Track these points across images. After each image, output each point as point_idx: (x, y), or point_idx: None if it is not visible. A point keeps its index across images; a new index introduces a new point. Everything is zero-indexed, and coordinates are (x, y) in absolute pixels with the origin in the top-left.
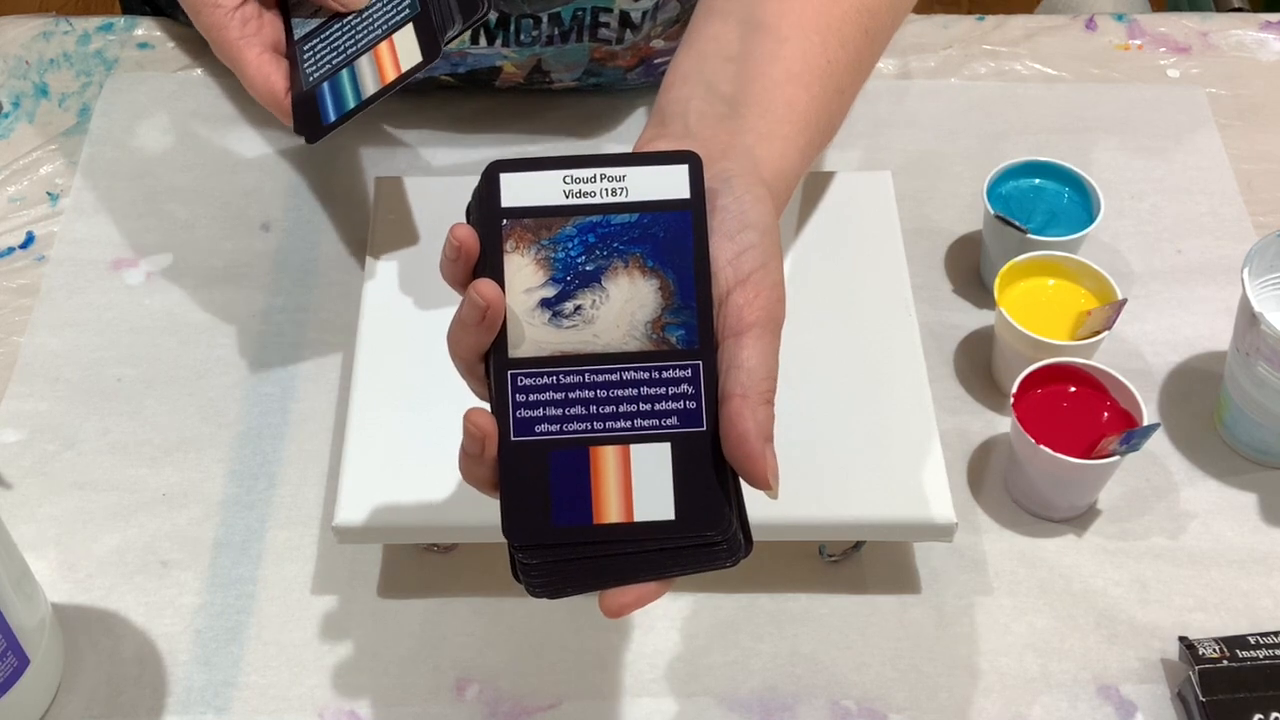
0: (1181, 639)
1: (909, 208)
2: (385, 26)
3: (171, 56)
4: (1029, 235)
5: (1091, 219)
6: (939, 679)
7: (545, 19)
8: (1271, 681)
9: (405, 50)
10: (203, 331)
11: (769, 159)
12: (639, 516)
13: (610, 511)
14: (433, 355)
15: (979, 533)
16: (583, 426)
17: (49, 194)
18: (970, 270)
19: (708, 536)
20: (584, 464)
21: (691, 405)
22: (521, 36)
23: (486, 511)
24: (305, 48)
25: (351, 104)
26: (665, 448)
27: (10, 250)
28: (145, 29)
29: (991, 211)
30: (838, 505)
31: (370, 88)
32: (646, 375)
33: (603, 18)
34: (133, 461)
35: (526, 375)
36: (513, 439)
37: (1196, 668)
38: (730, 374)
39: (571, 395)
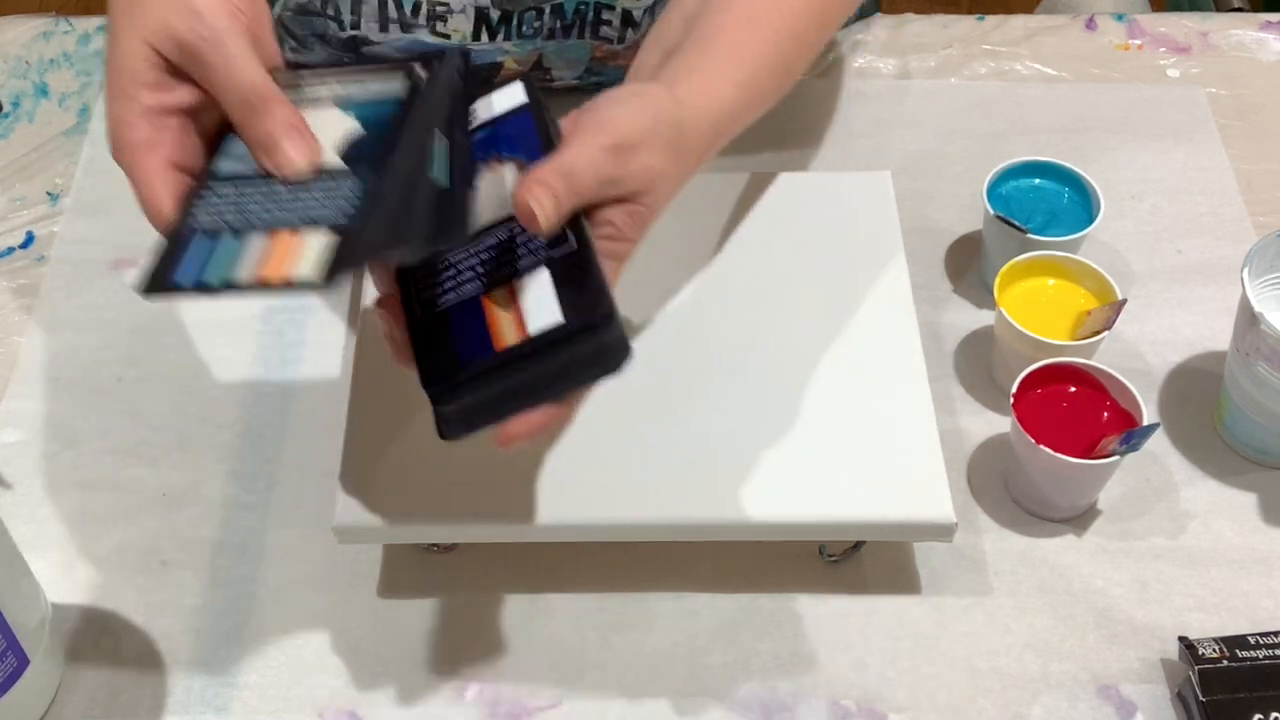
0: (1181, 639)
1: (909, 208)
2: (302, 215)
3: None
4: (1029, 235)
5: (1091, 219)
6: (939, 679)
7: (547, 10)
8: (1271, 681)
9: (306, 256)
10: (203, 331)
11: (691, 87)
12: (532, 329)
13: (507, 336)
14: None
15: (979, 533)
16: (475, 285)
17: (49, 194)
18: (970, 270)
19: (598, 333)
20: (479, 311)
21: (560, 234)
22: (523, 29)
23: (487, 511)
24: (213, 185)
25: (212, 280)
26: (544, 272)
27: (10, 250)
28: None
29: (991, 211)
30: (838, 505)
31: (241, 274)
32: (516, 228)
33: (605, 15)
34: (133, 461)
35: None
36: (419, 316)
37: (1196, 668)
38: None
39: (462, 265)
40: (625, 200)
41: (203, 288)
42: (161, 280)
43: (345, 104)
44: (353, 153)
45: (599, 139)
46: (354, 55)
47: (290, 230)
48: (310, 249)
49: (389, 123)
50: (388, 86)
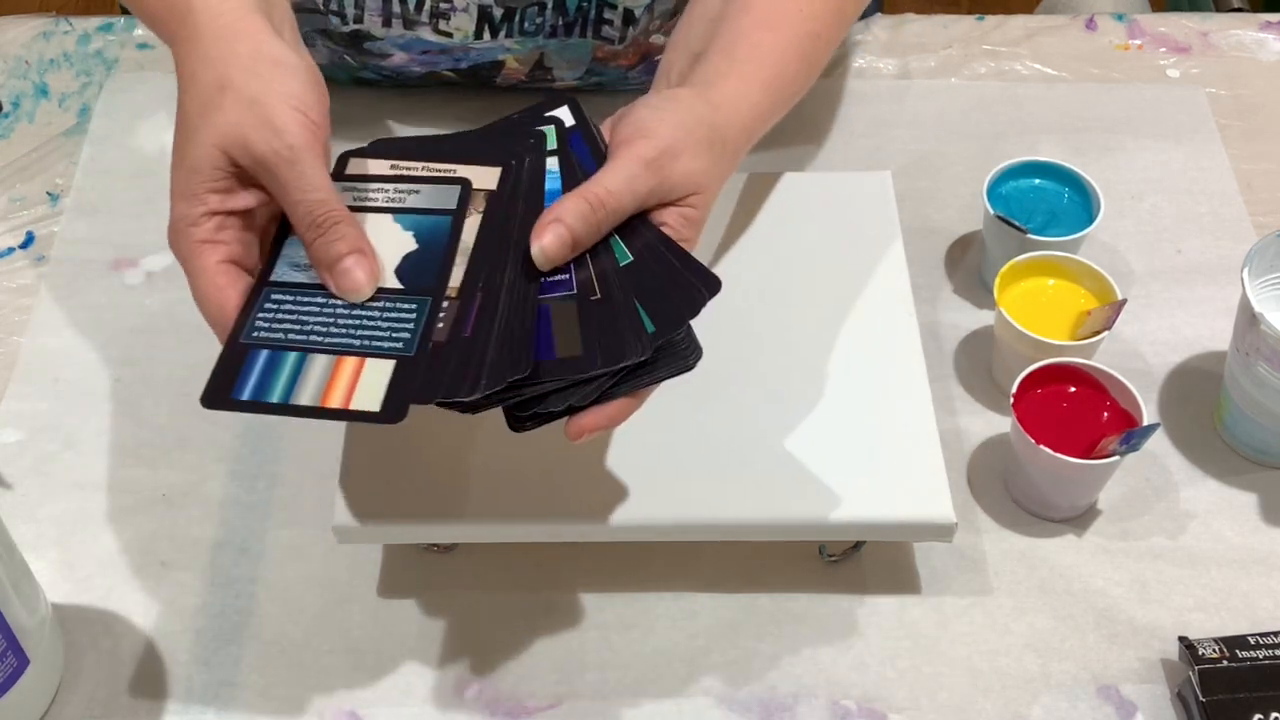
0: (1181, 639)
1: (909, 208)
2: (366, 342)
3: (171, 56)
4: (1029, 235)
5: (1091, 219)
6: (939, 679)
7: (550, 6)
8: (1271, 681)
9: (368, 387)
10: (203, 331)
11: (722, 90)
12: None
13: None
14: None
15: (979, 533)
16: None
17: (49, 194)
18: (970, 270)
19: (677, 348)
20: (546, 316)
21: (567, 275)
22: (525, 25)
23: (487, 511)
24: (272, 296)
25: (275, 398)
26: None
27: (10, 250)
28: (145, 29)
29: (991, 211)
30: (838, 505)
31: (304, 398)
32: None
33: (607, 14)
34: (133, 461)
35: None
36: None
37: (1196, 668)
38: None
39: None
40: (674, 204)
41: (261, 407)
42: (223, 396)
43: (400, 214)
44: (409, 271)
45: (640, 151)
46: (355, 50)
47: (355, 357)
48: (372, 381)
49: (443, 242)
50: (442, 199)
